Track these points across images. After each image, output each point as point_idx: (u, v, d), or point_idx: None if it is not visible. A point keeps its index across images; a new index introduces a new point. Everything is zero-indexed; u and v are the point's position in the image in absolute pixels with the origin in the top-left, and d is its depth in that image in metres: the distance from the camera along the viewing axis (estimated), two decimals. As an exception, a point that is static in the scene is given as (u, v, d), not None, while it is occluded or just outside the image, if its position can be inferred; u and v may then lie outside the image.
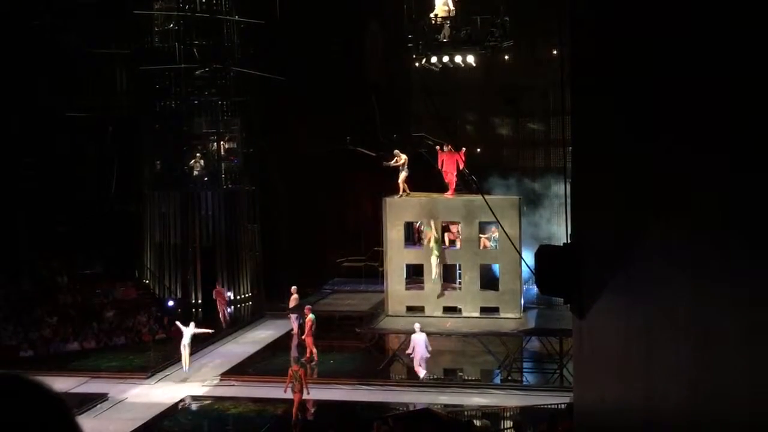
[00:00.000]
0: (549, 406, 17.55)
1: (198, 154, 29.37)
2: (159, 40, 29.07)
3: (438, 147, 24.14)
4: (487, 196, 19.62)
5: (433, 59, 25.16)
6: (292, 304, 25.02)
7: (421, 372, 20.47)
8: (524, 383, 21.02)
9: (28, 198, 28.86)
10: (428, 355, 20.46)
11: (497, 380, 21.24)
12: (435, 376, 21.24)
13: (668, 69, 4.34)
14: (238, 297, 29.34)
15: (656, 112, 4.62)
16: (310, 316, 22.83)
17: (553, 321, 21.70)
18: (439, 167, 24.06)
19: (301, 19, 28.80)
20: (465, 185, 24.30)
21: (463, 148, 23.99)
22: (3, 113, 27.54)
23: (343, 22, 29.58)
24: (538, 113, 28.55)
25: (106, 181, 29.69)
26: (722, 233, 3.47)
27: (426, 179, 24.99)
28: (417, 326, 20.70)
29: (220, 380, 21.32)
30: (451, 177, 23.98)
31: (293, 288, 25.16)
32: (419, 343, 20.32)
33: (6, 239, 28.05)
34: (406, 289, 23.89)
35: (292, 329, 24.97)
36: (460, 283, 23.86)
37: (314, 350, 22.78)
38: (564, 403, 14.91)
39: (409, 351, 20.66)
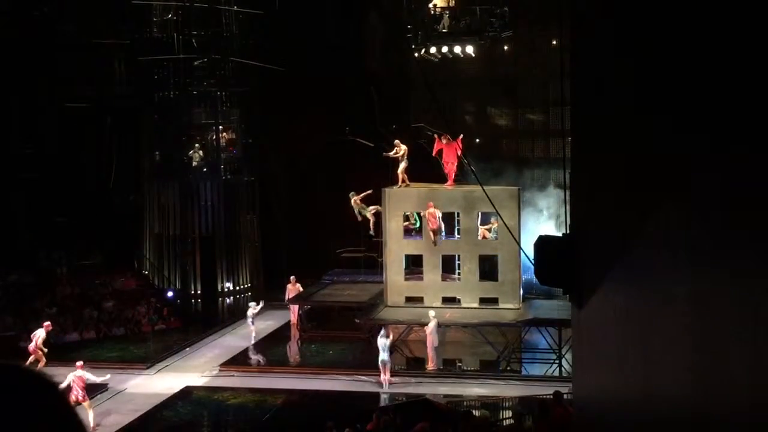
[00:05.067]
0: (546, 397, 17.56)
1: (197, 145, 29.35)
2: (157, 31, 28.99)
3: (436, 136, 24.05)
4: (486, 187, 19.60)
5: (433, 50, 25.14)
6: (292, 294, 25.06)
7: (431, 364, 20.54)
8: (523, 373, 21.06)
9: (27, 189, 28.85)
10: (436, 344, 20.57)
11: (497, 370, 21.26)
12: (436, 367, 21.25)
13: (667, 55, 4.33)
14: (237, 287, 29.37)
15: (656, 102, 4.61)
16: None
17: (552, 311, 21.74)
18: (434, 155, 23.96)
19: (300, 9, 28.72)
20: (464, 176, 24.29)
21: (461, 135, 23.88)
22: (2, 104, 27.49)
23: (343, 12, 29.50)
24: (538, 104, 28.49)
25: (106, 172, 29.67)
26: (723, 224, 3.46)
27: (425, 170, 24.96)
28: (431, 313, 20.85)
29: (220, 371, 21.37)
30: (450, 167, 23.94)
31: (292, 278, 25.20)
32: (432, 331, 20.45)
33: (5, 230, 28.05)
34: (405, 279, 23.91)
35: (292, 319, 25.04)
36: (459, 274, 23.88)
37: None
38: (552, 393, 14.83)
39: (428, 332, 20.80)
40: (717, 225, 3.55)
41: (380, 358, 19.57)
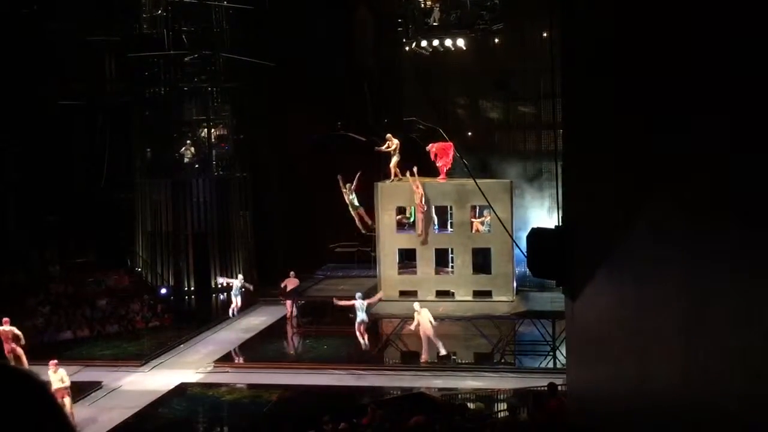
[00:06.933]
0: (541, 388, 17.60)
1: (188, 141, 29.29)
2: (147, 27, 28.88)
3: (426, 149, 23.96)
4: (478, 180, 19.64)
5: (423, 43, 25.12)
6: (290, 286, 25.15)
7: (441, 349, 20.56)
8: (518, 366, 21.10)
9: (18, 188, 28.73)
10: (431, 333, 20.57)
11: (491, 363, 21.28)
12: (429, 360, 21.27)
13: (663, 49, 4.32)
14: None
15: (651, 94, 4.60)
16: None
17: (546, 303, 21.79)
18: (432, 159, 23.97)
19: (290, 3, 28.65)
20: (455, 168, 24.31)
21: (451, 143, 23.85)
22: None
23: (333, 6, 29.43)
24: (529, 96, 28.47)
25: (97, 170, 29.58)
26: (714, 222, 3.46)
27: (418, 163, 24.94)
28: (416, 305, 20.83)
29: (214, 367, 21.36)
30: (444, 162, 23.93)
31: (291, 273, 25.36)
32: (426, 322, 20.42)
33: (-3, 229, 27.98)
34: (399, 273, 23.92)
35: (287, 314, 25.02)
36: (452, 267, 23.89)
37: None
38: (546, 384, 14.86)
39: (412, 327, 20.84)
40: (708, 222, 3.55)
41: (358, 319, 21.03)
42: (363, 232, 24.62)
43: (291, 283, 25.32)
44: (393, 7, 26.44)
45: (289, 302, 24.86)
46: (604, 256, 5.90)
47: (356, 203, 23.96)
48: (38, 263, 27.91)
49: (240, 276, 26.31)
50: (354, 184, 23.68)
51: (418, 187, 22.97)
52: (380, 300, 22.52)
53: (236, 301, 25.62)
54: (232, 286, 26.00)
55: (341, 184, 23.71)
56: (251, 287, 26.52)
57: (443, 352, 20.60)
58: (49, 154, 28.98)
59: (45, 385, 1.57)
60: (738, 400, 3.13)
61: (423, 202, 23.03)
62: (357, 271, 26.65)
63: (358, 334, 21.30)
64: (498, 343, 21.59)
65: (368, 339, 21.51)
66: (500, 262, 23.09)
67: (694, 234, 3.76)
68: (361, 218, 24.13)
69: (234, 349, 22.69)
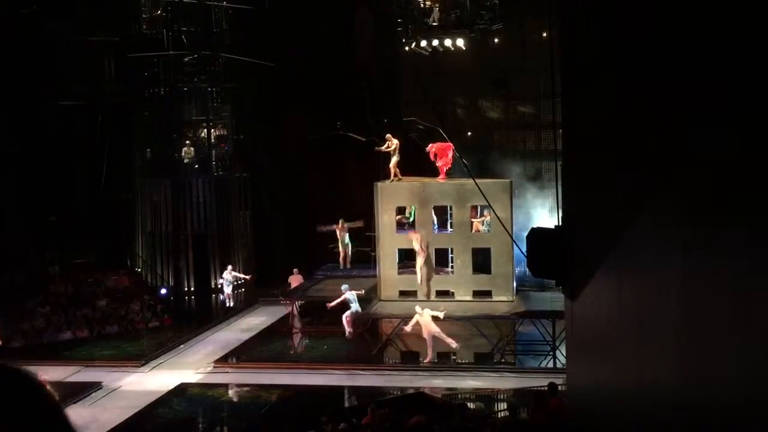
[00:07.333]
0: (541, 388, 17.58)
1: (188, 142, 29.28)
2: (147, 27, 28.87)
3: (426, 149, 24.00)
4: (478, 180, 19.61)
5: (423, 43, 25.11)
6: (294, 284, 25.25)
7: (452, 344, 20.59)
8: (518, 366, 21.10)
9: (18, 188, 28.73)
10: (437, 332, 20.65)
11: (491, 363, 21.29)
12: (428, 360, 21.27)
13: (663, 49, 4.32)
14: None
15: (651, 94, 4.60)
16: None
17: (546, 303, 21.80)
18: (432, 159, 24.00)
19: (290, 3, 28.65)
20: (455, 167, 24.32)
21: (450, 144, 23.93)
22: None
23: (333, 6, 29.43)
24: (529, 96, 28.44)
25: (97, 170, 29.57)
26: (713, 223, 3.46)
27: (418, 163, 24.96)
28: (417, 308, 20.85)
29: (214, 367, 21.36)
30: (444, 162, 23.93)
31: (295, 270, 25.53)
32: (429, 322, 20.43)
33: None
34: (399, 273, 23.91)
35: (290, 313, 25.00)
36: (452, 267, 23.89)
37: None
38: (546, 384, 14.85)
39: (408, 328, 20.89)
40: (707, 223, 3.55)
41: (352, 309, 21.65)
42: (341, 267, 25.75)
43: (295, 280, 25.43)
44: (393, 7, 26.41)
45: (291, 301, 24.90)
46: (604, 256, 5.90)
47: (347, 241, 25.06)
48: (38, 263, 27.90)
49: (229, 267, 26.66)
50: (352, 223, 24.29)
51: (418, 240, 23.04)
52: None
53: (227, 290, 26.41)
54: (228, 277, 26.70)
55: (327, 229, 24.35)
56: (248, 277, 27.45)
57: (455, 345, 20.62)
58: (49, 154, 28.96)
59: (43, 384, 1.57)
60: (738, 400, 3.13)
61: (423, 248, 23.06)
62: (357, 271, 26.65)
63: (344, 322, 21.76)
64: (498, 343, 21.59)
65: (355, 328, 22.07)
66: (500, 262, 23.07)
67: (694, 234, 3.75)
68: (344, 257, 24.83)
69: (232, 358, 22.57)
